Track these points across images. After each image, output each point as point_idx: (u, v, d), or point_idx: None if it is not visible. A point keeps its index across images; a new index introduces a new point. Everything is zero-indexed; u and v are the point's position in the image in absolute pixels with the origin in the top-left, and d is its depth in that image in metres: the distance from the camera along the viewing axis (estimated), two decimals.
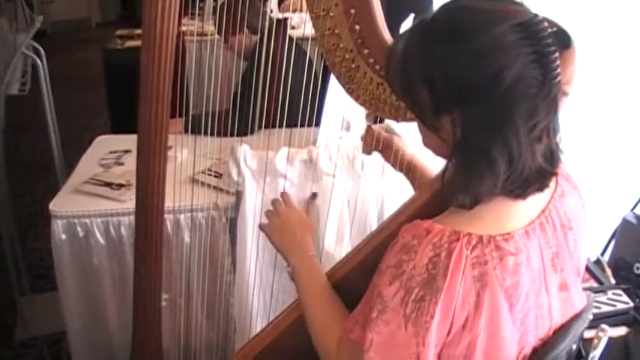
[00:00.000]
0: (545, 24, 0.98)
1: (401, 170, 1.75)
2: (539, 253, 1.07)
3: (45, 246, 3.22)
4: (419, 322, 0.99)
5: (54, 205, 2.21)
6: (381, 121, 2.56)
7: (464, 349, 1.02)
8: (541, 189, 1.05)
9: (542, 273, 1.07)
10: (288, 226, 1.45)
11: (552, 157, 1.04)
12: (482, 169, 0.98)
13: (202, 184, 2.30)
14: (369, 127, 1.85)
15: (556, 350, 1.09)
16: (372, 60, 1.34)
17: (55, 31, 8.87)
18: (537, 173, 1.02)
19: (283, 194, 1.53)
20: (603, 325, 1.23)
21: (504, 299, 1.01)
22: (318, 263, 1.40)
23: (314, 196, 1.58)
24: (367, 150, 1.87)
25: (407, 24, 2.04)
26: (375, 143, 1.80)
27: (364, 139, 1.87)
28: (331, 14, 1.31)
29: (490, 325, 1.01)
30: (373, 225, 2.30)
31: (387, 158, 1.82)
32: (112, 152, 2.66)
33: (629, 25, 2.25)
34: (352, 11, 1.30)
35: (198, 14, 4.00)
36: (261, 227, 1.52)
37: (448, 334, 1.01)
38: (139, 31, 4.76)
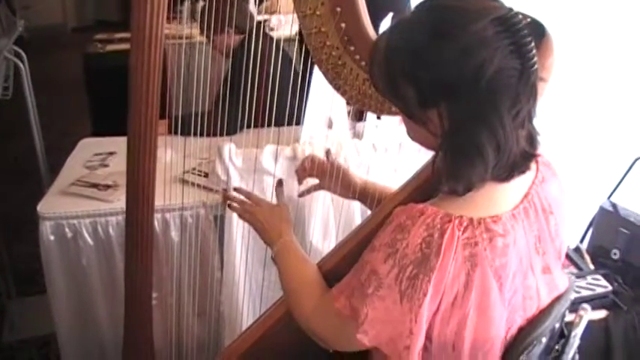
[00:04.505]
0: (520, 16, 1.03)
1: (354, 196, 1.75)
2: (524, 236, 1.12)
3: (30, 250, 3.20)
4: (413, 299, 1.04)
5: (42, 207, 2.22)
6: (362, 118, 2.61)
7: (455, 327, 1.07)
8: (524, 171, 1.11)
9: (528, 255, 1.13)
10: (268, 222, 1.54)
11: (533, 140, 1.11)
12: (472, 158, 1.04)
13: (189, 183, 2.32)
14: (310, 155, 1.81)
15: (540, 329, 1.14)
16: (357, 57, 1.38)
17: (32, 36, 8.79)
18: (522, 157, 1.08)
19: (251, 196, 1.64)
20: (584, 305, 1.28)
21: (494, 279, 1.06)
22: (297, 245, 1.49)
23: (280, 183, 1.64)
24: (301, 177, 1.80)
25: (386, 23, 2.08)
26: (317, 172, 1.77)
27: (302, 166, 1.79)
28: (318, 13, 1.35)
29: (480, 303, 1.06)
30: (358, 219, 2.34)
31: (331, 187, 1.77)
32: (96, 154, 2.67)
33: (607, 19, 2.32)
34: (338, 10, 1.34)
35: (177, 17, 4.00)
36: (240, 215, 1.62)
37: (437, 311, 1.06)
38: (119, 35, 4.76)
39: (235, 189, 1.71)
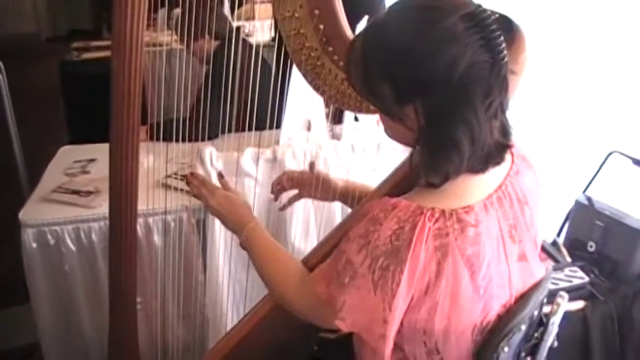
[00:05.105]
0: (489, 12, 1.07)
1: (334, 198, 1.79)
2: (497, 225, 1.15)
3: (10, 259, 3.18)
4: (385, 289, 1.08)
5: (23, 215, 2.22)
6: (340, 120, 2.64)
7: (425, 314, 1.11)
8: (499, 162, 1.15)
9: (501, 243, 1.16)
10: (226, 210, 1.58)
11: (506, 132, 1.15)
12: (448, 150, 1.07)
13: (170, 187, 2.33)
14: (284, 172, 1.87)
15: (519, 316, 1.17)
16: (336, 57, 1.41)
17: (5, 45, 8.70)
18: (495, 147, 1.12)
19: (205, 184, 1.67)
20: (561, 292, 1.31)
21: (465, 268, 1.09)
22: (261, 228, 1.53)
23: (221, 175, 1.69)
24: (277, 192, 1.85)
25: (361, 25, 2.11)
26: (298, 184, 1.82)
27: (278, 180, 1.85)
28: (297, 15, 1.38)
29: (451, 291, 1.10)
30: (338, 219, 2.36)
31: (311, 195, 1.81)
32: (76, 162, 2.67)
33: (582, 16, 2.36)
34: (316, 12, 1.36)
35: (152, 25, 4.00)
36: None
37: (412, 299, 1.10)
38: (95, 43, 4.76)
39: (191, 173, 1.74)
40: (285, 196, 1.89)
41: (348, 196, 1.74)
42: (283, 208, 1.91)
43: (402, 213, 1.10)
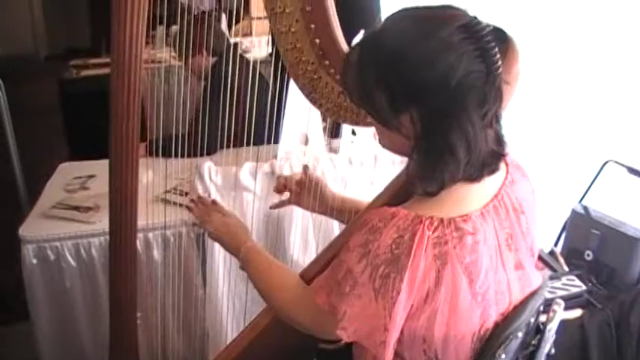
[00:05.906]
0: (484, 24, 1.09)
1: (332, 214, 1.78)
2: (494, 233, 1.17)
3: (7, 276, 3.18)
4: (386, 296, 1.10)
5: (23, 231, 2.23)
6: (337, 134, 2.66)
7: (425, 322, 1.12)
8: (494, 171, 1.17)
9: (498, 252, 1.18)
10: (225, 234, 1.62)
11: (500, 141, 1.17)
12: (445, 158, 1.09)
13: (169, 202, 2.34)
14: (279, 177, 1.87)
15: (516, 323, 1.19)
16: (332, 70, 1.43)
17: (3, 63, 8.71)
18: (491, 156, 1.14)
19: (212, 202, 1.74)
20: (558, 299, 1.32)
21: (464, 275, 1.11)
22: (257, 246, 1.56)
23: (214, 202, 1.75)
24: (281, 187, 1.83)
25: (358, 39, 2.13)
26: (295, 185, 1.80)
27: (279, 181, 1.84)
28: (293, 30, 1.39)
29: (450, 299, 1.11)
30: (335, 231, 2.38)
31: (309, 204, 1.80)
32: (76, 178, 2.69)
33: (577, 25, 2.39)
34: (312, 26, 1.38)
35: (150, 42, 4.03)
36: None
37: (412, 307, 1.11)
38: (93, 61, 4.79)
39: (199, 197, 1.78)
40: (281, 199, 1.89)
41: (345, 212, 1.75)
42: (274, 207, 1.91)
43: (401, 222, 1.11)
